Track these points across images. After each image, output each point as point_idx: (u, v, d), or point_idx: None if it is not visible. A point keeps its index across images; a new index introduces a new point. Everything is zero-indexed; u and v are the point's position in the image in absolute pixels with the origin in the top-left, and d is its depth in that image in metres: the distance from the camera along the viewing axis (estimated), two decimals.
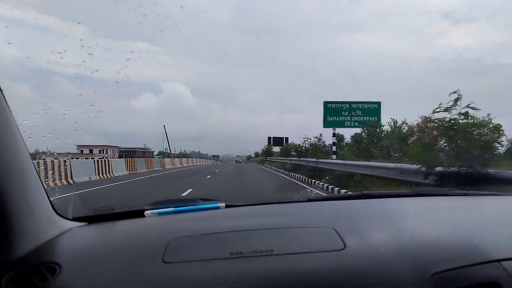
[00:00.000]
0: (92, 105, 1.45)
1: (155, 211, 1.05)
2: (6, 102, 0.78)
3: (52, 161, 12.45)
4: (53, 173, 11.96)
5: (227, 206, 1.12)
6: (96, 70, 1.44)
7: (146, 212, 1.05)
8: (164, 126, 60.45)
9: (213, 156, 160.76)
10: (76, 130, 1.55)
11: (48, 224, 0.90)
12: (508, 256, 0.70)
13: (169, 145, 62.85)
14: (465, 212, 1.07)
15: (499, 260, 0.69)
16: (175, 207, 1.07)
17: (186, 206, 1.09)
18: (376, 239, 0.79)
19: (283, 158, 28.08)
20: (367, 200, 1.26)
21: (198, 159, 60.22)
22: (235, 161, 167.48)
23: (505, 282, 0.66)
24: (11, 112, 0.79)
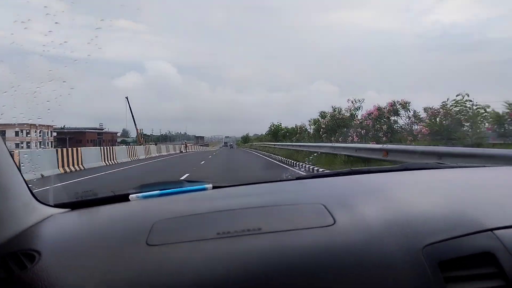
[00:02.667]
0: (64, 81, 1.38)
1: (140, 194, 1.05)
2: None
3: None
4: None
5: (214, 188, 1.12)
6: (65, 42, 1.35)
7: (130, 196, 1.05)
8: (126, 97, 43.33)
9: (197, 137, 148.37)
10: (49, 109, 1.47)
11: (27, 211, 0.89)
12: (501, 225, 0.71)
13: (135, 125, 45.56)
14: (455, 184, 1.08)
15: (491, 229, 0.69)
16: (160, 189, 1.07)
17: (172, 188, 1.09)
18: (366, 214, 0.79)
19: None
20: (356, 175, 1.27)
21: (168, 145, 46.69)
22: (224, 144, 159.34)
23: (498, 251, 0.66)
24: None
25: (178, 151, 42.16)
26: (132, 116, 42.47)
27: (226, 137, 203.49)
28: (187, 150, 47.40)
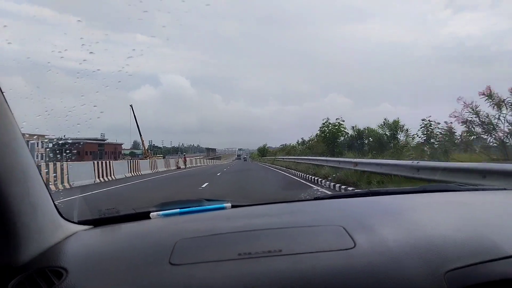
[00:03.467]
0: (95, 106, 1.44)
1: (161, 212, 1.06)
2: (7, 103, 0.78)
3: None
4: None
5: (233, 206, 1.13)
6: (98, 70, 1.44)
7: (151, 214, 1.06)
8: (131, 105, 36.53)
9: (208, 149, 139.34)
10: (79, 132, 1.54)
11: (53, 228, 0.90)
12: None
13: (141, 135, 38.98)
14: (476, 207, 1.06)
15: None
16: (180, 208, 1.08)
17: (192, 207, 1.10)
18: (386, 236, 0.78)
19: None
20: (375, 197, 1.26)
21: (169, 159, 35.94)
22: (237, 156, 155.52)
23: None
24: (12, 113, 0.80)
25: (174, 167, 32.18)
26: (137, 125, 37.00)
27: (240, 149, 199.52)
28: (186, 166, 35.33)
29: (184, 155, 44.90)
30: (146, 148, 42.26)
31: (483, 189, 1.39)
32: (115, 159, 55.89)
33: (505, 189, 1.36)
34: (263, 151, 79.18)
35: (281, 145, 48.63)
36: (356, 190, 1.59)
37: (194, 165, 44.33)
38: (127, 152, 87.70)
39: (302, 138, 35.84)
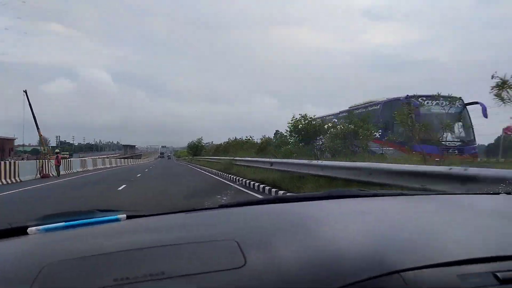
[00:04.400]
0: None
1: (41, 227, 0.93)
2: None
3: None
4: None
5: (128, 217, 1.02)
6: None
7: (29, 229, 0.92)
8: (25, 91, 23.57)
9: (126, 147, 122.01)
10: None
11: None
12: (409, 266, 0.68)
13: (37, 127, 24.60)
14: (373, 216, 1.05)
15: (399, 271, 0.67)
16: (66, 221, 0.95)
17: (81, 219, 0.97)
18: (280, 252, 0.75)
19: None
20: (281, 204, 1.23)
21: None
22: (160, 154, 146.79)
23: None
24: None
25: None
26: (34, 116, 24.91)
27: (163, 146, 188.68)
28: (59, 173, 21.11)
29: (58, 153, 23.66)
30: (43, 141, 27.82)
31: (381, 195, 1.44)
32: (2, 158, 45.64)
33: (401, 194, 1.46)
34: (195, 149, 57.29)
35: (224, 142, 39.85)
36: (264, 197, 1.41)
37: (93, 168, 30.98)
38: (29, 149, 73.85)
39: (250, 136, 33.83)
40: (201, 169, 28.93)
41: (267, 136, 28.70)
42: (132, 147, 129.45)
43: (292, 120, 16.64)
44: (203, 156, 48.19)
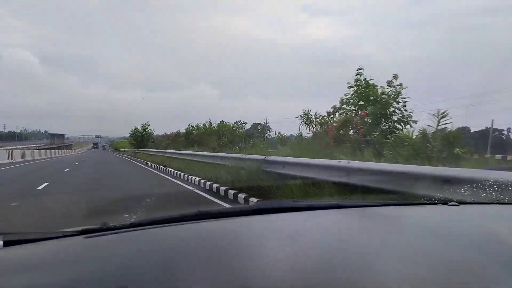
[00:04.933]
0: None
1: None
2: None
3: None
4: None
5: (7, 244, 0.87)
6: None
7: None
8: None
9: (53, 135, 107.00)
10: None
11: None
12: None
13: None
14: (302, 240, 0.92)
15: None
16: None
17: None
18: None
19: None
20: (194, 223, 1.07)
21: None
22: (94, 145, 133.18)
23: None
24: None
25: None
26: None
27: (97, 136, 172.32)
28: None
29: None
30: None
31: (317, 207, 1.33)
32: None
33: (338, 205, 1.35)
34: (140, 138, 38.68)
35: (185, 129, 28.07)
36: (185, 213, 1.11)
37: (9, 161, 25.77)
38: None
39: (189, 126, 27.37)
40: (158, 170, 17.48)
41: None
42: (61, 136, 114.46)
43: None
44: (151, 149, 31.19)
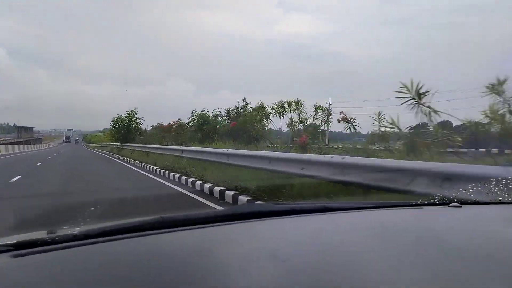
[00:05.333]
0: None
1: None
2: None
3: None
4: None
5: None
6: None
7: None
8: None
9: (20, 129, 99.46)
10: None
11: None
12: None
13: None
14: (285, 257, 0.79)
15: None
16: None
17: None
18: None
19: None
20: (152, 236, 0.89)
21: None
22: (65, 139, 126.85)
23: None
24: None
25: None
26: None
27: (69, 129, 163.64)
28: None
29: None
30: None
31: (300, 210, 1.19)
32: None
33: (325, 207, 1.22)
34: (125, 130, 28.49)
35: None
36: (138, 220, 0.95)
37: None
38: None
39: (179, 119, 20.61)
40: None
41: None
42: (29, 129, 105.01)
43: None
44: (140, 143, 23.06)
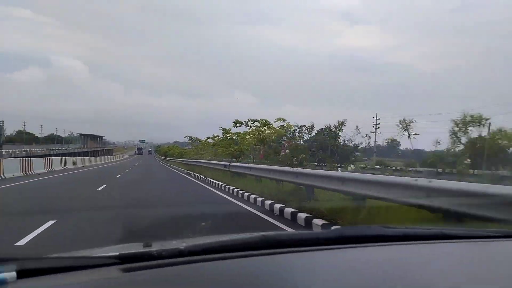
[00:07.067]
0: None
1: None
2: None
3: None
4: None
5: (21, 275, 0.69)
6: None
7: None
8: None
9: (85, 137, 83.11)
10: None
11: None
12: None
13: None
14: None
15: None
16: None
17: None
18: None
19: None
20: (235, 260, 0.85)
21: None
22: (137, 150, 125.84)
23: None
24: None
25: None
26: None
27: (142, 141, 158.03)
28: None
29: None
30: None
31: (417, 235, 1.13)
32: None
33: (443, 233, 1.13)
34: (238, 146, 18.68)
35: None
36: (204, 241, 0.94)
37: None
38: None
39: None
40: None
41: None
42: (97, 138, 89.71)
43: None
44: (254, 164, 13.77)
